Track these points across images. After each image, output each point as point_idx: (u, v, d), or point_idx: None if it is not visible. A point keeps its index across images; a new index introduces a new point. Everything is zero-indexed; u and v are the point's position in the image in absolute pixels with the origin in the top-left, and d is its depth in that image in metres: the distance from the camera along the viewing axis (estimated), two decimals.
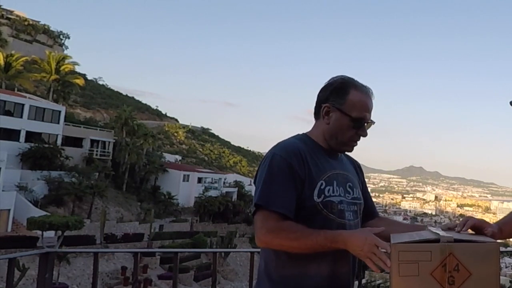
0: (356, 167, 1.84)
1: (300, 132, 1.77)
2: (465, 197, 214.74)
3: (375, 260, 1.36)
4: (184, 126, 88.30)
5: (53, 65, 44.74)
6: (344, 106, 1.63)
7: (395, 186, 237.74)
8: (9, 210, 28.33)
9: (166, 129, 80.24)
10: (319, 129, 1.69)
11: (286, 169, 1.54)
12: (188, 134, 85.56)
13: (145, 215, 38.12)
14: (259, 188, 1.54)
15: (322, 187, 1.59)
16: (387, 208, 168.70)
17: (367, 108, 1.66)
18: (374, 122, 1.69)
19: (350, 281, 1.64)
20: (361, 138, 1.69)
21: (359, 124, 1.64)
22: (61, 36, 76.34)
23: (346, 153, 1.79)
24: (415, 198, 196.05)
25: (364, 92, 1.67)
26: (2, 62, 42.27)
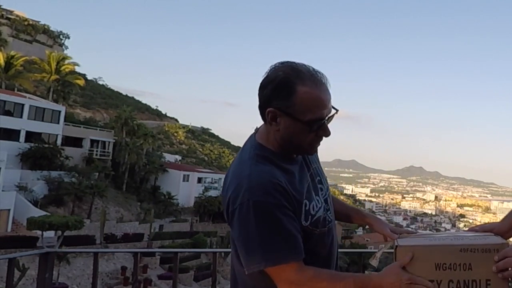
0: None
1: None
2: (465, 197, 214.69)
3: None
4: (184, 126, 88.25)
5: (53, 65, 44.72)
6: (292, 109, 1.31)
7: (395, 186, 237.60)
8: (9, 210, 28.32)
9: (166, 129, 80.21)
10: (271, 135, 1.40)
11: (276, 213, 1.29)
12: (188, 134, 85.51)
13: (145, 215, 38.10)
14: (258, 249, 1.28)
15: (307, 208, 1.40)
16: (387, 208, 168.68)
17: (323, 104, 1.33)
18: (337, 111, 1.38)
19: None
20: (324, 138, 1.41)
21: (316, 126, 1.33)
22: (61, 36, 76.37)
23: None
24: (415, 198, 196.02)
25: (314, 85, 1.33)
26: (2, 62, 42.24)
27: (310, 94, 1.31)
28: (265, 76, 1.37)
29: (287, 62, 1.37)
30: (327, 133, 1.37)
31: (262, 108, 1.36)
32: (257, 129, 1.50)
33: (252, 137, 1.48)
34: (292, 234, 1.31)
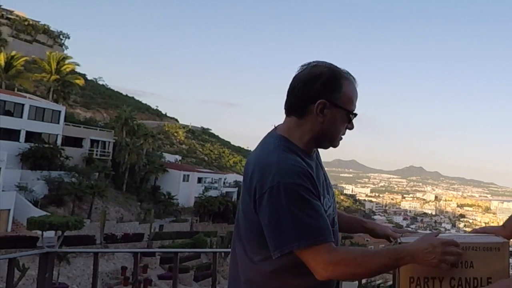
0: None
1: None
2: (465, 197, 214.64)
3: (452, 261, 1.31)
4: (184, 126, 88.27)
5: (53, 65, 44.72)
6: (340, 101, 1.44)
7: (395, 186, 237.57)
8: (9, 210, 28.34)
9: (166, 129, 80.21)
10: (302, 129, 1.47)
11: (305, 195, 1.33)
12: (188, 134, 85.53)
13: (145, 215, 38.12)
14: (292, 230, 1.30)
15: (322, 202, 1.43)
16: (387, 208, 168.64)
17: (357, 98, 1.50)
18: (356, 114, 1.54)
19: None
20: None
21: (354, 117, 1.49)
22: (61, 36, 76.41)
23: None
24: (415, 198, 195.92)
25: (353, 81, 1.49)
26: (2, 62, 42.26)
27: (352, 88, 1.47)
28: (303, 73, 1.47)
29: (319, 61, 1.50)
30: (352, 126, 1.51)
31: (309, 101, 1.44)
32: (275, 127, 1.55)
33: (273, 132, 1.53)
34: (322, 216, 1.35)
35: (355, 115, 1.49)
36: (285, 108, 1.51)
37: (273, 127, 1.56)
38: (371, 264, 1.31)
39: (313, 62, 1.49)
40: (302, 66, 1.49)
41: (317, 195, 1.38)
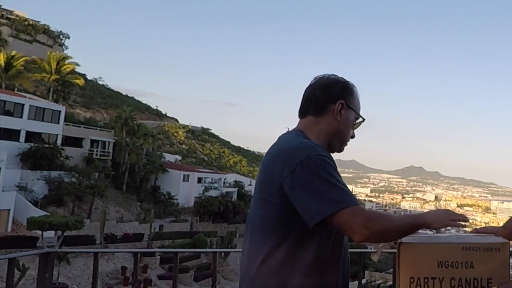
0: None
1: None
2: (465, 197, 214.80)
3: (456, 218, 1.48)
4: (184, 126, 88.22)
5: (53, 65, 44.70)
6: (353, 105, 1.64)
7: (395, 186, 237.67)
8: (9, 210, 28.33)
9: (166, 129, 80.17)
10: (319, 127, 1.60)
11: (334, 166, 1.47)
12: (188, 134, 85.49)
13: (145, 215, 38.11)
14: (326, 193, 1.39)
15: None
16: (387, 208, 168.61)
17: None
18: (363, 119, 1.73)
19: None
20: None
21: (360, 122, 1.68)
22: (61, 36, 76.31)
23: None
24: (415, 198, 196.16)
25: (358, 93, 1.70)
26: (2, 62, 42.24)
27: (358, 97, 1.68)
28: (320, 81, 1.65)
29: (332, 74, 1.69)
30: (354, 134, 1.69)
31: (330, 101, 1.60)
32: (289, 130, 1.67)
33: (291, 130, 1.65)
34: (346, 186, 1.48)
35: (363, 119, 1.67)
36: (300, 112, 1.65)
37: (287, 129, 1.66)
38: (398, 220, 1.44)
39: (326, 74, 1.68)
40: (317, 77, 1.67)
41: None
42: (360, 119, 1.67)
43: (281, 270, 1.46)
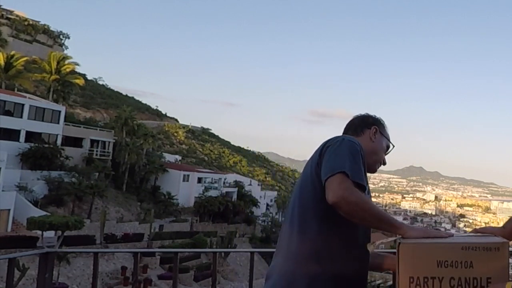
0: None
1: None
2: (465, 197, 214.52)
3: (433, 236, 1.53)
4: (184, 126, 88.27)
5: (54, 65, 44.69)
6: (385, 134, 1.98)
7: (395, 186, 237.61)
8: (9, 210, 28.33)
9: (166, 129, 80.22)
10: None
11: (362, 155, 1.70)
12: (188, 134, 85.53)
13: (145, 215, 38.10)
14: (341, 159, 1.62)
15: (366, 192, 1.71)
16: (387, 208, 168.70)
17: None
18: (393, 146, 2.05)
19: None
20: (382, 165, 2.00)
21: (389, 150, 2.00)
22: (61, 36, 76.35)
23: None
24: (415, 198, 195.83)
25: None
26: (2, 62, 42.24)
27: (388, 131, 2.02)
28: (360, 114, 2.02)
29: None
30: (385, 161, 1.99)
31: (366, 127, 1.96)
32: None
33: None
34: (363, 171, 1.67)
35: (394, 146, 2.00)
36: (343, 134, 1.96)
37: None
38: (376, 211, 1.58)
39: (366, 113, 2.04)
40: (359, 114, 2.02)
41: (364, 171, 1.69)
42: (391, 146, 2.00)
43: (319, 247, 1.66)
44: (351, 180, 1.56)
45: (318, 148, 1.75)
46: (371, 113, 2.04)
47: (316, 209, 1.67)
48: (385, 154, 1.98)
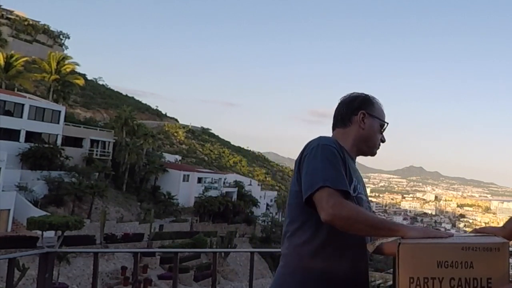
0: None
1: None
2: (465, 197, 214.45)
3: (434, 236, 1.51)
4: (184, 126, 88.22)
5: (53, 65, 44.67)
6: (375, 113, 1.88)
7: (395, 186, 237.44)
8: (9, 210, 28.32)
9: (166, 129, 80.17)
10: (347, 135, 1.86)
11: (338, 157, 1.67)
12: (188, 134, 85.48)
13: (145, 215, 38.08)
14: (319, 171, 1.60)
15: (355, 184, 1.74)
16: (387, 208, 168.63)
17: (385, 115, 1.94)
18: (387, 124, 1.95)
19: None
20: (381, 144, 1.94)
21: (384, 128, 1.91)
22: (61, 36, 76.26)
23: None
24: (415, 198, 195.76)
25: (380, 103, 1.94)
26: (2, 62, 42.22)
27: (380, 105, 1.92)
28: (346, 97, 1.92)
29: (354, 92, 1.95)
30: (384, 138, 1.92)
31: (352, 114, 1.86)
32: None
33: None
34: (344, 175, 1.65)
35: (387, 123, 1.90)
36: (332, 127, 1.91)
37: None
38: (371, 219, 1.55)
39: (353, 92, 1.94)
40: (343, 96, 1.93)
41: (344, 168, 1.68)
42: (386, 124, 1.91)
43: (300, 250, 1.68)
44: (334, 189, 1.55)
45: (298, 156, 1.74)
46: (359, 90, 1.97)
47: (306, 213, 1.67)
48: (381, 133, 1.91)
